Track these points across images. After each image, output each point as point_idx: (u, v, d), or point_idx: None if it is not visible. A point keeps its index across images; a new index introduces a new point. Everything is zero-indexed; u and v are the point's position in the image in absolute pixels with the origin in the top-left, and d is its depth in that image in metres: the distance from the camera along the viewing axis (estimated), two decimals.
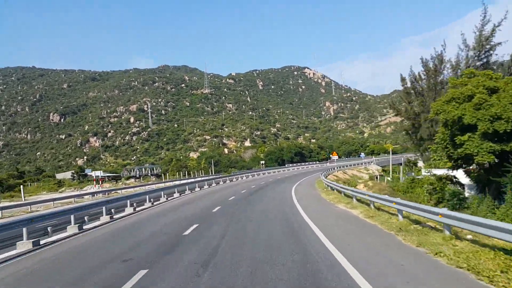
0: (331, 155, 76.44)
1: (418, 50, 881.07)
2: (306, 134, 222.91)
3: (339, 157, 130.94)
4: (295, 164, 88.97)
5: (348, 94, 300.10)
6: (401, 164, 56.89)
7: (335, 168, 55.25)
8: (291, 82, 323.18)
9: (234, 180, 47.63)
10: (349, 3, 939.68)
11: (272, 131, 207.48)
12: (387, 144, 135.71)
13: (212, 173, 66.55)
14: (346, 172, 52.06)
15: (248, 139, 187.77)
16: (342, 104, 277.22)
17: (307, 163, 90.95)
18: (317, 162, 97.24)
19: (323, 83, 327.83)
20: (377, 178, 44.22)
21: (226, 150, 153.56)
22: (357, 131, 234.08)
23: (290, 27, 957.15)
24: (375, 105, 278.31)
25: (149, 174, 71.62)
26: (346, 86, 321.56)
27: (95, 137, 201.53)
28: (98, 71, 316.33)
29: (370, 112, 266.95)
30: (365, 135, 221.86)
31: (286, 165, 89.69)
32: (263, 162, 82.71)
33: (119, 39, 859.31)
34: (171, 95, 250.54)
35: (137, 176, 70.24)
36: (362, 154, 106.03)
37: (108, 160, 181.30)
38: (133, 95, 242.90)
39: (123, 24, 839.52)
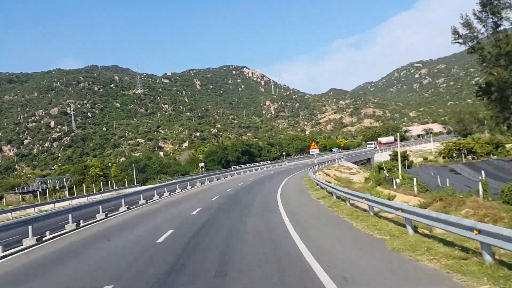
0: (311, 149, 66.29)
1: (349, 53, 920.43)
2: (248, 134, 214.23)
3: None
4: (242, 166, 72.04)
5: (288, 92, 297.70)
6: (369, 160, 49.84)
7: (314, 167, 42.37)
8: (230, 82, 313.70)
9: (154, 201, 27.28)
10: (282, 5, 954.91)
11: (213, 132, 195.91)
12: (340, 139, 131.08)
13: (134, 183, 52.17)
14: (328, 174, 40.53)
15: (187, 141, 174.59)
16: (282, 103, 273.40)
17: (257, 164, 73.79)
18: (269, 161, 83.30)
19: (262, 82, 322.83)
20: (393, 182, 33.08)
21: (162, 154, 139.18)
22: (299, 129, 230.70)
23: (226, 27, 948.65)
24: (314, 103, 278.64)
25: (58, 187, 56.37)
26: (285, 85, 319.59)
27: (9, 145, 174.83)
28: (16, 72, 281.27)
29: (310, 110, 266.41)
30: (307, 132, 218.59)
31: (232, 168, 73.11)
32: (202, 164, 67.69)
33: (41, 37, 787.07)
34: (99, 96, 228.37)
35: (40, 190, 54.38)
36: (335, 149, 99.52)
37: (24, 171, 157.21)
38: (54, 97, 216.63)
39: (46, 21, 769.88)
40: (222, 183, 39.33)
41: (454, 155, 56.31)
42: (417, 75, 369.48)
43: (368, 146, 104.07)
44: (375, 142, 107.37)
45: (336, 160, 47.92)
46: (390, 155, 53.40)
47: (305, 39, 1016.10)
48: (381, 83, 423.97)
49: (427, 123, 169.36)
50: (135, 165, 60.17)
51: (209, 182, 42.28)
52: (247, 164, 75.07)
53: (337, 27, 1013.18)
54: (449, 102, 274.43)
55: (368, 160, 55.61)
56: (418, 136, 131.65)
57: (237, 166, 73.84)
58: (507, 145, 60.06)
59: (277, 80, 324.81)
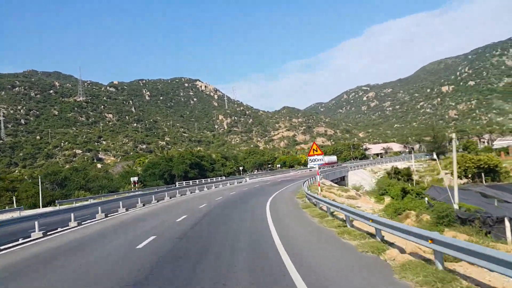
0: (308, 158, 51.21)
1: (301, 74, 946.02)
2: (199, 148, 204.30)
3: (281, 166, 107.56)
4: (190, 183, 58.74)
5: (241, 108, 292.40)
6: (343, 178, 43.46)
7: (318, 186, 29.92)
8: (181, 94, 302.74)
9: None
10: (238, 24, 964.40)
11: (160, 144, 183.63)
12: (300, 155, 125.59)
13: (40, 202, 39.67)
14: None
15: (132, 154, 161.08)
16: (235, 118, 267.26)
17: (210, 181, 60.05)
18: (223, 177, 71.75)
19: (216, 97, 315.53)
20: None
21: (99, 166, 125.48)
22: (252, 145, 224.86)
23: (181, 39, 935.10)
24: (267, 120, 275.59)
25: None
26: (239, 101, 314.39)
27: None
28: None
29: (263, 126, 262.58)
30: (260, 149, 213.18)
31: (177, 184, 57.89)
32: (135, 179, 51.35)
33: None
34: (36, 102, 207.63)
35: None
36: (315, 163, 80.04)
37: None
38: None
39: None
40: (146, 214, 21.37)
41: (470, 174, 46.12)
42: (365, 98, 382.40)
43: (310, 165, 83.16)
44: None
45: (317, 178, 39.52)
46: (375, 172, 47.77)
47: (260, 58, 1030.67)
48: (331, 104, 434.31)
49: (386, 142, 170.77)
50: (53, 178, 48.03)
51: (126, 210, 24.05)
52: (197, 180, 63.01)
53: (290, 49, 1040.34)
54: (395, 125, 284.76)
55: (342, 178, 49.16)
56: (377, 155, 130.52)
57: (184, 182, 61.58)
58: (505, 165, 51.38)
59: (231, 95, 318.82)
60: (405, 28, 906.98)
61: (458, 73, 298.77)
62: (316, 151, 19.65)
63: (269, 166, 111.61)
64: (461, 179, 42.70)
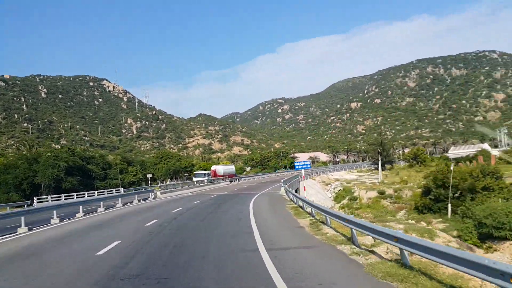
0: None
1: (217, 84, 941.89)
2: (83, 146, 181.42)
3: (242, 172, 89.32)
4: (62, 199, 39.49)
5: (154, 112, 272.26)
6: (296, 190, 33.12)
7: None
8: (85, 93, 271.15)
9: None
10: (154, 28, 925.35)
11: (27, 137, 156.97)
12: (225, 161, 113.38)
13: None
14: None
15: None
16: (147, 122, 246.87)
17: (96, 197, 37.72)
18: (121, 188, 52.60)
19: (125, 99, 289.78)
20: None
21: None
22: None
23: (89, 34, 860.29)
24: (182, 127, 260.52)
25: None
26: (151, 105, 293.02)
27: None
28: None
29: (177, 133, 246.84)
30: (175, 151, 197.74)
31: (35, 202, 40.12)
32: None
33: None
34: None
35: None
36: (302, 165, 44.40)
37: None
38: None
39: None
40: None
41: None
42: (280, 110, 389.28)
43: (196, 178, 60.50)
44: (208, 172, 68.68)
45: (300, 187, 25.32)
46: (326, 183, 38.47)
47: (175, 64, 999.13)
48: (247, 115, 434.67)
49: (315, 151, 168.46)
50: None
51: None
52: (74, 194, 42.35)
53: (206, 59, 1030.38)
54: (308, 137, 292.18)
55: (296, 191, 38.65)
56: None
57: (50, 197, 41.27)
58: None
59: (143, 99, 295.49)
60: (316, 47, 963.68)
61: (365, 91, 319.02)
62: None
63: (186, 174, 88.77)
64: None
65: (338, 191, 42.80)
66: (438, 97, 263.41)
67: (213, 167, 71.03)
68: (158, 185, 51.20)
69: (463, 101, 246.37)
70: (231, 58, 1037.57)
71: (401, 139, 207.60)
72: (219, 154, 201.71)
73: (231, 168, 75.64)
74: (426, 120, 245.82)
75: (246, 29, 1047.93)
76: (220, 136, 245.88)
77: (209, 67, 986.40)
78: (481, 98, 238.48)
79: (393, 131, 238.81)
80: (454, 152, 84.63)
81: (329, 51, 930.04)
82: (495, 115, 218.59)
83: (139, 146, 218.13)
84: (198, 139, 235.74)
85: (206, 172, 68.15)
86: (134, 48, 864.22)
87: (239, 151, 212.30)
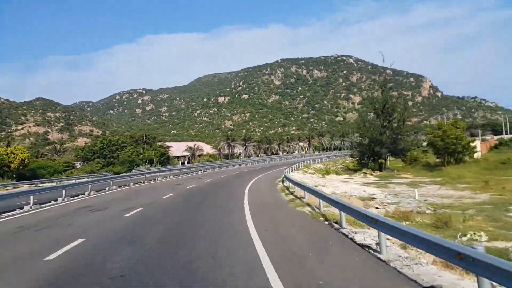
0: None
1: (65, 70, 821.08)
2: None
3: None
4: None
5: None
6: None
7: None
8: None
9: None
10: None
11: None
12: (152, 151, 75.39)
13: None
14: None
15: None
16: None
17: None
18: None
19: None
20: None
21: None
22: None
23: None
24: (10, 111, 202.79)
25: None
26: None
27: None
28: None
29: (1, 117, 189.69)
30: None
31: None
32: None
33: None
34: None
35: None
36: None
37: None
38: None
39: None
40: None
41: None
42: (139, 101, 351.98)
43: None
44: None
45: None
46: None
47: (16, 45, 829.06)
48: (101, 104, 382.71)
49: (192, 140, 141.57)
50: None
51: None
52: None
53: (53, 43, 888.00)
54: (172, 131, 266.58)
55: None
56: (177, 157, 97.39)
57: None
58: None
59: None
60: (178, 42, 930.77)
61: (233, 86, 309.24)
62: None
63: None
64: None
65: None
66: (302, 96, 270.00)
67: None
68: None
69: (325, 102, 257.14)
70: (83, 44, 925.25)
71: (270, 136, 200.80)
72: (57, 145, 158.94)
73: None
74: (292, 118, 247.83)
75: (102, 15, 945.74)
76: (61, 124, 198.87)
77: (57, 52, 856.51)
78: (340, 99, 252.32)
79: (262, 128, 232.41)
80: None
81: (191, 47, 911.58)
82: (353, 116, 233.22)
83: None
84: (29, 127, 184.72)
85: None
86: None
87: (85, 143, 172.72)
